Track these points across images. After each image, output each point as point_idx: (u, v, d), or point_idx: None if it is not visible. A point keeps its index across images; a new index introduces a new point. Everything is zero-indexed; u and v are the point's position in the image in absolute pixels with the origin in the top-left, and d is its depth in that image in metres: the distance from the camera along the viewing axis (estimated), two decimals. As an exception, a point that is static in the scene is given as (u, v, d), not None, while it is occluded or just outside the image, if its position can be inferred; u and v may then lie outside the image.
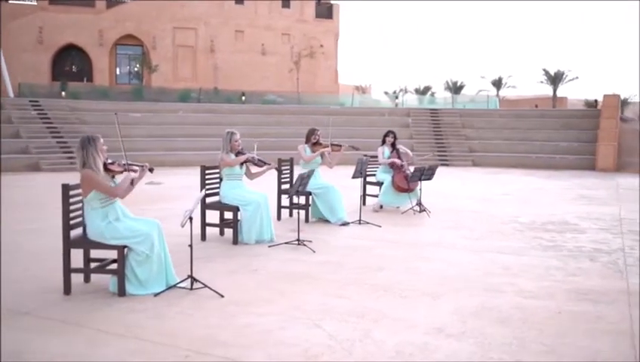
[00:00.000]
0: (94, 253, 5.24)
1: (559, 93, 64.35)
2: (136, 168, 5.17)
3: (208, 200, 7.30)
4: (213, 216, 7.39)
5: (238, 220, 7.02)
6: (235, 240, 6.97)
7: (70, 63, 35.78)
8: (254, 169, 7.45)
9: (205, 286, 4.92)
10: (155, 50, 35.20)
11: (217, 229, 7.45)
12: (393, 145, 10.18)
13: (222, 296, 4.80)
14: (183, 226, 4.82)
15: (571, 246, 7.12)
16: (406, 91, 65.60)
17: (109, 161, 5.04)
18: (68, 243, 4.84)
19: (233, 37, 37.02)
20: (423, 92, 69.34)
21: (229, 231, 7.51)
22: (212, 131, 22.84)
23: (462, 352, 3.70)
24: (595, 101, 35.01)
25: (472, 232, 8.00)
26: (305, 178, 6.91)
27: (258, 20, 37.43)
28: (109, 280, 4.95)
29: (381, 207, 9.90)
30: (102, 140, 4.96)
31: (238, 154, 7.17)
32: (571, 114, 26.67)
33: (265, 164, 7.32)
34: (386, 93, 69.21)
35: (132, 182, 4.92)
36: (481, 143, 23.73)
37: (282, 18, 38.11)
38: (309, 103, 30.80)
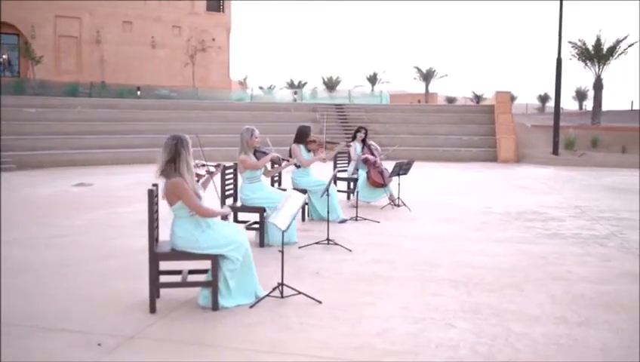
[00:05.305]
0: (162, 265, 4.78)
1: (430, 90, 68.58)
2: (214, 171, 4.82)
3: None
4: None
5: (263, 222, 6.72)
6: (262, 243, 6.68)
7: None
8: (269, 165, 7.17)
9: (300, 293, 4.68)
10: (35, 39, 32.19)
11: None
12: (364, 141, 10.28)
13: (320, 302, 4.60)
14: (285, 230, 4.56)
15: (568, 233, 7.66)
16: (299, 85, 66.09)
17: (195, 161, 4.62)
18: (155, 256, 4.36)
19: (121, 28, 34.97)
20: (299, 86, 70.33)
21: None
22: (119, 128, 21.52)
23: (613, 340, 3.88)
24: (480, 97, 37.61)
25: (467, 224, 8.30)
26: (335, 176, 6.79)
27: (147, 11, 35.66)
28: (199, 293, 4.54)
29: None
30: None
31: (255, 151, 6.86)
32: (466, 109, 28.51)
33: (284, 160, 7.09)
34: (261, 88, 69.41)
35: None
36: (388, 138, 24.47)
37: (172, 10, 36.64)
38: (204, 98, 29.97)
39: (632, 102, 56.19)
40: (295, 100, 33.86)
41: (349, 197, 10.39)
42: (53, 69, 32.70)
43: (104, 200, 10.58)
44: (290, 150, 8.20)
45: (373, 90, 65.12)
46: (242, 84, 60.19)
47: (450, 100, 68.56)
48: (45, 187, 12.60)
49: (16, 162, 17.32)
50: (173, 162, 4.27)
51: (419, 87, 70.55)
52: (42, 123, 20.52)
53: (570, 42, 29.59)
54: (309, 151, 8.40)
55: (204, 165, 4.83)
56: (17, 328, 4.03)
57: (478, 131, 24.22)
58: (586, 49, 29.15)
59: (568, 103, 79.22)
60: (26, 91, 26.55)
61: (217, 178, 5.86)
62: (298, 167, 7.58)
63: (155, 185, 4.55)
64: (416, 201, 10.28)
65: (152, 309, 4.36)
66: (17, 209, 9.46)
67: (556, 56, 21.54)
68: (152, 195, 4.33)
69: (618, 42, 28.81)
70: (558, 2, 21.23)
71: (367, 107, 28.11)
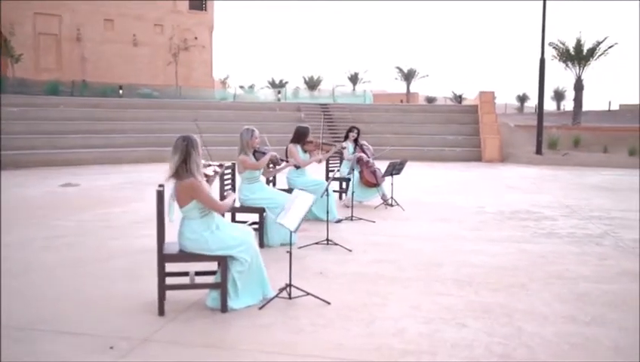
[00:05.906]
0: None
1: (410, 90, 68.95)
2: (219, 170, 4.78)
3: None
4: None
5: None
6: (261, 244, 6.63)
7: None
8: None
9: (308, 294, 4.66)
10: (14, 37, 31.62)
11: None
12: (356, 141, 10.28)
13: (328, 303, 4.58)
14: (295, 231, 4.53)
15: (563, 232, 7.74)
16: (281, 85, 65.91)
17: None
18: (163, 258, 4.30)
19: (102, 26, 34.54)
20: (280, 85, 70.13)
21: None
22: (103, 127, 21.25)
23: (624, 339, 3.92)
24: (459, 97, 37.89)
25: (463, 224, 8.34)
26: (333, 176, 6.77)
27: (129, 9, 35.28)
28: (207, 295, 4.50)
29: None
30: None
31: (254, 152, 6.81)
32: (450, 109, 28.73)
33: (282, 161, 7.06)
34: (242, 87, 69.15)
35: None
36: (373, 137, 24.50)
37: (155, 8, 36.31)
38: (187, 97, 29.75)
39: (610, 103, 57.04)
40: (279, 100, 33.76)
41: (341, 197, 10.40)
42: (33, 67, 32.19)
43: (96, 200, 10.42)
44: (286, 150, 8.17)
45: (354, 89, 65.15)
46: (224, 83, 59.91)
47: (430, 100, 68.97)
48: (33, 187, 12.39)
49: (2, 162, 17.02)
50: (184, 163, 4.22)
51: (399, 87, 70.95)
52: (24, 122, 20.16)
53: (550, 43, 29.95)
54: (305, 151, 8.37)
55: (210, 165, 4.79)
56: (20, 332, 3.95)
57: (462, 131, 24.37)
58: (567, 50, 29.52)
59: (546, 103, 79.98)
60: (6, 89, 26.10)
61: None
62: (298, 167, 7.55)
63: (162, 185, 4.48)
64: (409, 201, 10.29)
65: (161, 311, 4.31)
66: (10, 210, 9.27)
67: (539, 56, 21.78)
68: (161, 196, 4.27)
69: (598, 43, 29.24)
70: (540, 3, 21.45)
71: (351, 107, 28.14)
